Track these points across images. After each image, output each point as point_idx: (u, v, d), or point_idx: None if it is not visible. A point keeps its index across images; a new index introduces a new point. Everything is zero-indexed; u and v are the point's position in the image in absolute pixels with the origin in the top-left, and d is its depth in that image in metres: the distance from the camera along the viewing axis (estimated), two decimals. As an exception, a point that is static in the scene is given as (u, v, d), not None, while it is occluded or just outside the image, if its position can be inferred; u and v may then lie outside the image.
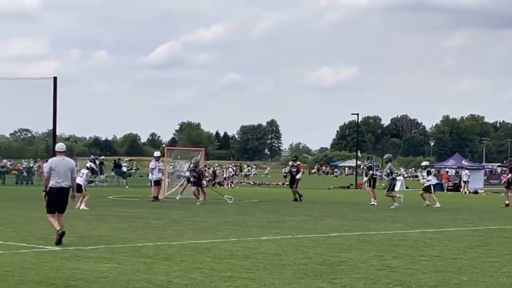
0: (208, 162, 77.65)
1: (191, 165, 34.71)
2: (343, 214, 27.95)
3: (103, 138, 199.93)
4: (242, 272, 12.46)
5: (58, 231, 16.29)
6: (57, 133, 67.13)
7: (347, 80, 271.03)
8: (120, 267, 12.81)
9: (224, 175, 65.18)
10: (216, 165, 73.76)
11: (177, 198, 36.26)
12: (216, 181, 62.28)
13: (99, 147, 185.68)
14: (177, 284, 11.20)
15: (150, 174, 36.42)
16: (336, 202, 37.86)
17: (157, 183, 35.46)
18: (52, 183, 16.60)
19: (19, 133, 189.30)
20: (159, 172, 35.59)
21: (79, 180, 25.58)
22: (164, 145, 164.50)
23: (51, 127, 63.48)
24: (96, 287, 10.78)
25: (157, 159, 35.95)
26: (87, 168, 29.87)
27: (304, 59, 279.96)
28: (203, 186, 33.63)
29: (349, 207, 32.79)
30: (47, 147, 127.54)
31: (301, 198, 36.39)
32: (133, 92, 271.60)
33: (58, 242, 16.07)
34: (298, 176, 36.70)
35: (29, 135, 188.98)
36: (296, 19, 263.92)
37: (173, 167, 44.42)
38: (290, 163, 38.75)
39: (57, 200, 16.66)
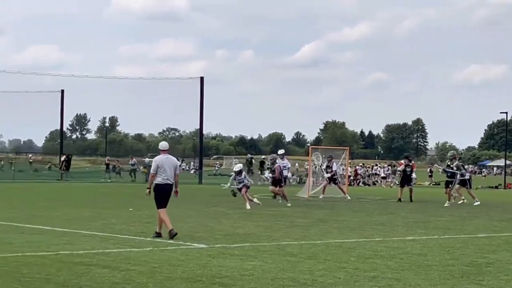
0: (352, 161, 77.30)
1: (323, 165, 34.94)
2: (491, 214, 27.20)
3: (249, 137, 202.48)
4: (386, 272, 12.31)
5: (171, 230, 17.03)
6: (204, 132, 68.54)
7: (496, 77, 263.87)
8: (265, 265, 12.90)
9: (382, 174, 64.87)
10: (361, 164, 73.36)
11: (320, 197, 36.26)
12: (372, 180, 62.28)
13: (245, 146, 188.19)
14: (321, 283, 11.17)
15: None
16: (484, 202, 36.82)
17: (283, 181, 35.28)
18: (158, 180, 17.46)
19: (167, 132, 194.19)
20: (284, 170, 35.19)
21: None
22: (308, 144, 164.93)
23: (198, 126, 64.96)
24: (241, 285, 10.88)
25: (281, 157, 35.82)
26: (237, 173, 29.73)
27: (452, 57, 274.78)
28: (281, 185, 31.97)
29: (497, 208, 31.90)
30: (194, 146, 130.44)
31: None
32: (278, 92, 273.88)
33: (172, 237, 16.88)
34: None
35: (177, 134, 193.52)
36: (443, 16, 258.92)
37: (317, 167, 44.41)
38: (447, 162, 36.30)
39: (163, 196, 17.52)
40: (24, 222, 20.40)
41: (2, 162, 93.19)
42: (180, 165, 18.47)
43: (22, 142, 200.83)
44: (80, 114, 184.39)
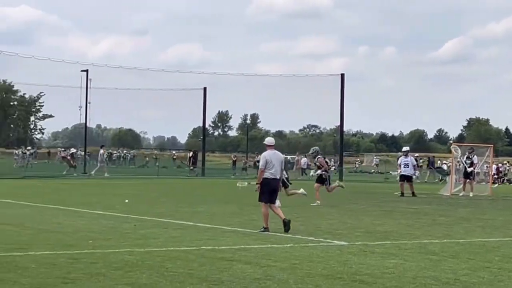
0: (497, 159, 75.28)
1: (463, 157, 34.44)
2: None
3: (390, 134, 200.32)
4: (533, 273, 11.94)
5: (284, 219, 17.46)
6: (344, 129, 68.28)
7: None
8: (406, 263, 12.75)
9: None
10: (505, 162, 71.35)
11: (460, 195, 35.52)
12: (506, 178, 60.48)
13: (385, 143, 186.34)
14: (465, 283, 10.94)
15: (397, 170, 36.12)
16: None
17: (403, 178, 34.85)
18: (266, 175, 17.68)
19: (307, 129, 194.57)
20: (404, 167, 34.88)
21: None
22: (451, 141, 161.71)
23: (339, 123, 64.83)
24: (382, 283, 10.79)
25: (405, 154, 35.36)
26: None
27: None
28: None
29: None
30: (335, 143, 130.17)
31: None
32: (420, 88, 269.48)
33: (287, 230, 17.23)
34: None
35: (317, 131, 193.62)
36: None
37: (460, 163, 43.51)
38: None
39: (271, 191, 17.82)
40: (168, 217, 20.91)
41: (147, 159, 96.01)
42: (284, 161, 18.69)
43: (166, 139, 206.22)
44: (222, 111, 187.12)
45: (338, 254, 13.87)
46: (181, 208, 24.48)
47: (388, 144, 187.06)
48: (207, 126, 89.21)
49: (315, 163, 28.51)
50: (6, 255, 12.75)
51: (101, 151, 59.24)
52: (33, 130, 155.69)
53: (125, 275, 10.99)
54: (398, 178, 35.89)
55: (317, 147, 29.34)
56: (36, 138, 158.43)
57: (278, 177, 17.91)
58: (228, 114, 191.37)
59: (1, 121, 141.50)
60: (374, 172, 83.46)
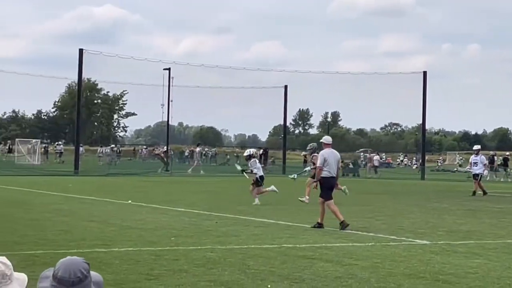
0: None
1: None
2: None
3: (473, 132, 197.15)
4: None
5: (342, 221, 17.58)
6: (426, 127, 67.50)
7: None
8: (490, 263, 12.55)
9: None
10: None
11: None
12: None
13: (468, 142, 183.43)
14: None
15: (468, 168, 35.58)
16: None
17: (475, 177, 34.23)
18: (325, 173, 18.00)
19: (389, 127, 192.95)
20: (474, 166, 34.37)
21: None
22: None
23: (421, 121, 64.11)
24: (466, 283, 10.64)
25: (476, 153, 34.86)
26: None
27: None
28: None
29: None
30: (416, 141, 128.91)
31: None
32: (505, 86, 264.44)
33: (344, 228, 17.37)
34: None
35: (398, 129, 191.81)
36: None
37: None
38: None
39: (330, 188, 18.19)
40: (249, 215, 21.00)
41: (228, 157, 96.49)
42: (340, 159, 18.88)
43: (247, 137, 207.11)
44: (302, 109, 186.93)
45: (420, 253, 13.73)
46: (262, 205, 24.53)
47: (471, 142, 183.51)
48: (287, 124, 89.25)
49: (311, 160, 27.98)
50: (91, 251, 12.99)
51: (198, 149, 59.93)
52: (116, 128, 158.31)
53: (207, 272, 11.09)
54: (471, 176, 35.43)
55: (314, 144, 28.57)
56: (119, 136, 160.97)
57: (335, 175, 18.27)
58: (309, 112, 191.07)
59: (85, 119, 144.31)
60: (456, 170, 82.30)
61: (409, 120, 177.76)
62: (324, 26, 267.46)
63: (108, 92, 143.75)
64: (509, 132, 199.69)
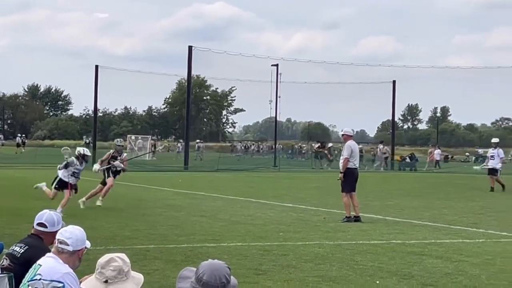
0: None
1: None
2: None
3: None
4: None
5: (349, 217, 17.81)
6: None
7: None
8: None
9: None
10: None
11: None
12: None
13: None
14: None
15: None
16: None
17: (490, 172, 32.25)
18: (350, 164, 18.15)
19: (500, 122, 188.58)
20: (491, 160, 32.43)
21: None
22: None
23: (533, 115, 62.54)
24: None
25: (495, 146, 32.82)
26: None
27: None
28: None
29: None
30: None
31: None
32: None
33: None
34: None
35: (510, 123, 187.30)
36: None
37: None
38: None
39: (355, 180, 18.25)
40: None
41: (336, 152, 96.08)
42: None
43: (355, 132, 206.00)
44: (411, 104, 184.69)
45: (533, 250, 13.42)
46: (370, 201, 24.38)
47: None
48: (396, 119, 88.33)
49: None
50: (200, 246, 13.20)
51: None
52: (225, 124, 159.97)
53: (315, 267, 11.13)
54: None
55: None
56: (228, 132, 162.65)
57: (357, 167, 18.72)
58: (418, 107, 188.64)
59: (194, 116, 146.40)
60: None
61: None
62: (435, 20, 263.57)
63: (217, 88, 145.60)
64: None
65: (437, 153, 63.74)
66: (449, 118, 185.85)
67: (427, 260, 11.93)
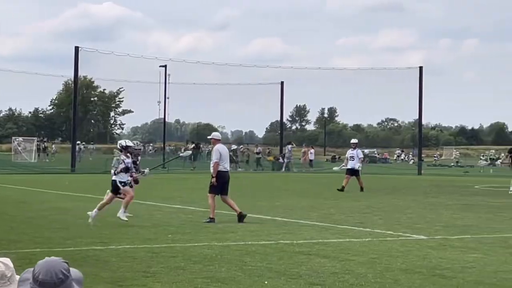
0: None
1: None
2: None
3: (469, 127, 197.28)
4: None
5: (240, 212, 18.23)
6: (423, 122, 67.51)
7: None
8: (487, 258, 12.56)
9: None
10: None
11: None
12: None
13: (465, 136, 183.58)
14: (548, 278, 10.73)
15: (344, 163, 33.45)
16: None
17: (349, 172, 31.97)
18: (221, 168, 18.30)
19: (385, 123, 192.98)
20: (350, 160, 32.32)
21: None
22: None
23: (417, 117, 64.13)
24: (462, 277, 10.66)
25: (354, 147, 32.90)
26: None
27: None
28: None
29: None
30: (413, 137, 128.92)
31: None
32: (502, 80, 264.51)
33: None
34: None
35: (395, 124, 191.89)
36: None
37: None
38: None
39: (225, 183, 18.46)
40: (246, 211, 20.96)
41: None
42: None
43: (243, 133, 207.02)
44: (299, 105, 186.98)
45: (417, 248, 13.75)
46: (258, 202, 24.55)
47: (467, 137, 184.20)
48: (284, 120, 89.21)
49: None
50: (87, 249, 13.00)
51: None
52: (112, 126, 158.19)
53: (204, 268, 11.10)
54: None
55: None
56: (116, 133, 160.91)
57: (228, 170, 18.70)
58: (306, 108, 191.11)
59: (82, 117, 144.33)
60: (453, 165, 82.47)
61: (406, 115, 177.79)
62: (323, 22, 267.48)
63: (104, 89, 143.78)
64: (505, 126, 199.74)
65: (311, 153, 64.36)
66: (336, 118, 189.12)
67: (315, 260, 12.06)
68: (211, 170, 18.58)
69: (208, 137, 19.57)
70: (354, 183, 30.92)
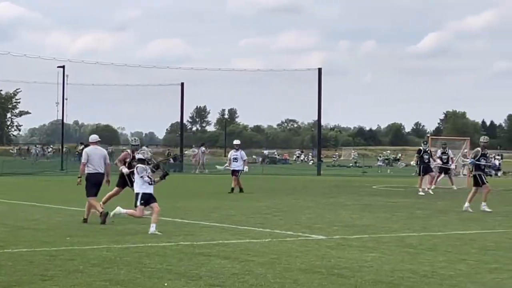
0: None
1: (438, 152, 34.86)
2: None
3: (367, 128, 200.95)
4: (509, 264, 12.03)
5: (102, 211, 18.08)
6: (322, 123, 68.41)
7: None
8: (384, 257, 12.79)
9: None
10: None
11: (432, 187, 34.75)
12: None
13: (364, 137, 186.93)
14: (442, 275, 10.99)
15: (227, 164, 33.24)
16: None
17: (234, 173, 32.04)
18: (89, 169, 18.53)
19: (285, 124, 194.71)
20: (234, 162, 32.24)
21: None
22: (428, 135, 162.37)
23: (316, 118, 64.89)
24: (360, 276, 10.81)
25: (236, 148, 32.74)
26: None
27: None
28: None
29: None
30: (313, 137, 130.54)
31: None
32: (399, 82, 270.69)
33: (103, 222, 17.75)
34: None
35: (295, 125, 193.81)
36: None
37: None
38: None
39: (96, 184, 18.65)
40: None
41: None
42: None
43: (143, 135, 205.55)
44: (200, 106, 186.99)
45: (316, 248, 13.89)
46: (159, 203, 24.35)
47: (366, 138, 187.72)
48: (185, 121, 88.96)
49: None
50: (-17, 253, 12.66)
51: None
52: (9, 127, 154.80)
53: (103, 271, 10.95)
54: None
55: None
56: (13, 135, 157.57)
57: (101, 171, 18.71)
58: (206, 109, 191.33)
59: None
60: (352, 166, 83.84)
61: (306, 117, 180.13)
62: (223, 23, 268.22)
63: (1, 90, 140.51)
64: (402, 127, 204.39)
65: (201, 153, 63.41)
66: (237, 119, 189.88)
67: (215, 261, 12.05)
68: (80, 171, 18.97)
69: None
70: (252, 184, 31.07)
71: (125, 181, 20.35)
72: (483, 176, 23.18)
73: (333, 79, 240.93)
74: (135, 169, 17.04)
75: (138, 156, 17.33)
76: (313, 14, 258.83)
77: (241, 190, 31.12)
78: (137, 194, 16.52)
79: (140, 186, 16.48)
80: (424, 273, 11.16)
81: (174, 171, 58.86)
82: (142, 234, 15.67)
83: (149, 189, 16.51)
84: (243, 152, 32.96)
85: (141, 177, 16.37)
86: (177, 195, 28.67)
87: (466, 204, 22.68)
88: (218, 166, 37.81)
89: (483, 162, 23.15)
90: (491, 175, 41.89)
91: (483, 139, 24.19)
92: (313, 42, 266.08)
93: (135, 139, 21.90)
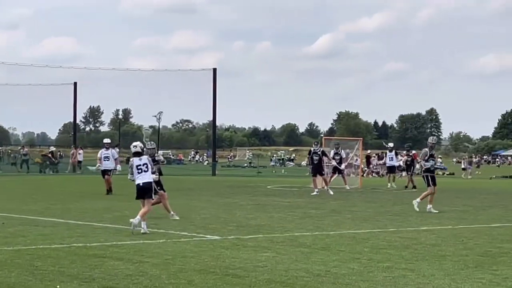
0: (366, 152, 77.08)
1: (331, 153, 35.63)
2: (506, 204, 27.11)
3: (262, 129, 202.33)
4: (400, 263, 12.28)
5: None
6: (217, 123, 68.57)
7: (510, 67, 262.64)
8: (278, 257, 12.88)
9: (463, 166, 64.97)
10: (374, 154, 73.15)
11: (325, 188, 34.93)
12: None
13: (258, 137, 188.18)
14: (335, 274, 11.14)
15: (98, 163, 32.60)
16: (499, 192, 36.78)
17: (104, 172, 31.45)
18: None
19: (180, 124, 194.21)
20: (104, 160, 31.63)
21: None
22: (322, 135, 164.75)
23: (211, 118, 64.95)
24: (255, 276, 10.86)
25: (107, 147, 32.13)
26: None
27: (467, 46, 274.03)
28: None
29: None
30: (208, 138, 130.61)
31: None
32: (293, 83, 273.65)
33: None
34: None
35: (190, 125, 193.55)
36: (459, 5, 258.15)
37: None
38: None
39: None
40: (39, 215, 20.45)
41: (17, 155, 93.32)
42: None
43: (35, 135, 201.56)
44: (93, 106, 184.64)
45: (211, 248, 13.89)
46: (52, 205, 23.99)
47: (260, 138, 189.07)
48: (78, 121, 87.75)
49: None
50: None
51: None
52: None
53: (-8, 275, 10.68)
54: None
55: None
56: None
57: None
58: (100, 109, 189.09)
59: None
60: (247, 166, 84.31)
61: (201, 117, 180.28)
62: (117, 22, 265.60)
63: None
64: (296, 128, 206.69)
65: (79, 154, 62.43)
66: (131, 120, 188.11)
67: (109, 262, 11.91)
68: None
69: None
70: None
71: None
72: (429, 177, 23.28)
73: (228, 79, 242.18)
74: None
75: (158, 158, 18.69)
76: (206, 15, 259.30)
77: (109, 191, 30.33)
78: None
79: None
80: (318, 272, 11.29)
81: (53, 172, 57.93)
82: (34, 236, 15.36)
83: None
84: (113, 151, 32.32)
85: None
86: (70, 197, 28.26)
87: (429, 206, 22.84)
88: (89, 167, 37.09)
89: (432, 162, 23.31)
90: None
91: (432, 139, 24.01)
92: (208, 42, 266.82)
93: (151, 142, 21.06)
